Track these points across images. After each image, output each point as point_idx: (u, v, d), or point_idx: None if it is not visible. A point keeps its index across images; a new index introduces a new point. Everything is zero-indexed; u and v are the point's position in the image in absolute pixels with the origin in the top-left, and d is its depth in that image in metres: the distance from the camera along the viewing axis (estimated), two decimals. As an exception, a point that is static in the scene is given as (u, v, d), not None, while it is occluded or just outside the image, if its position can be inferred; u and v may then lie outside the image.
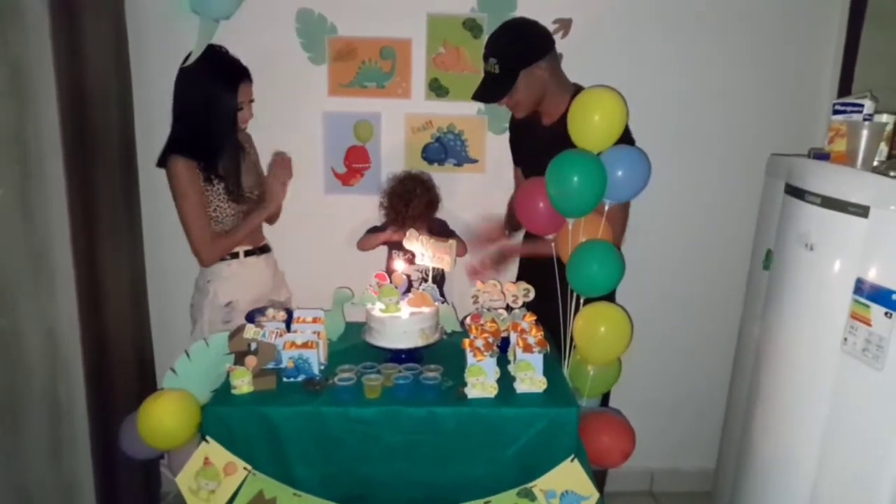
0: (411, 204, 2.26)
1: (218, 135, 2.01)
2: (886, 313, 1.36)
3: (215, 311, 2.09)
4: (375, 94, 2.44)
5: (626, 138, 1.87)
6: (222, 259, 2.10)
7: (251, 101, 2.08)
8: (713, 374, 2.57)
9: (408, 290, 1.86)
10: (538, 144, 1.98)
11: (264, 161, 2.25)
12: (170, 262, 2.48)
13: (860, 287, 1.43)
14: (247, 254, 2.15)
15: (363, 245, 2.37)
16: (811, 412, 1.56)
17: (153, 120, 2.25)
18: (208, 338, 1.72)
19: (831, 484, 1.51)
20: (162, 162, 2.02)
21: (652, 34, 2.43)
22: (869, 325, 1.40)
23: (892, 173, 1.48)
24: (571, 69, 2.11)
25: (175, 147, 1.99)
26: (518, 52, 1.96)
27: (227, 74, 2.01)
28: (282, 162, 2.19)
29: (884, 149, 1.62)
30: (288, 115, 2.41)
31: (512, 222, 2.30)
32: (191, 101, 1.99)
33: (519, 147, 2.30)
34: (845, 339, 1.46)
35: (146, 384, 2.40)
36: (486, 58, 2.00)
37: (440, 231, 2.33)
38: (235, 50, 2.07)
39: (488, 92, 2.03)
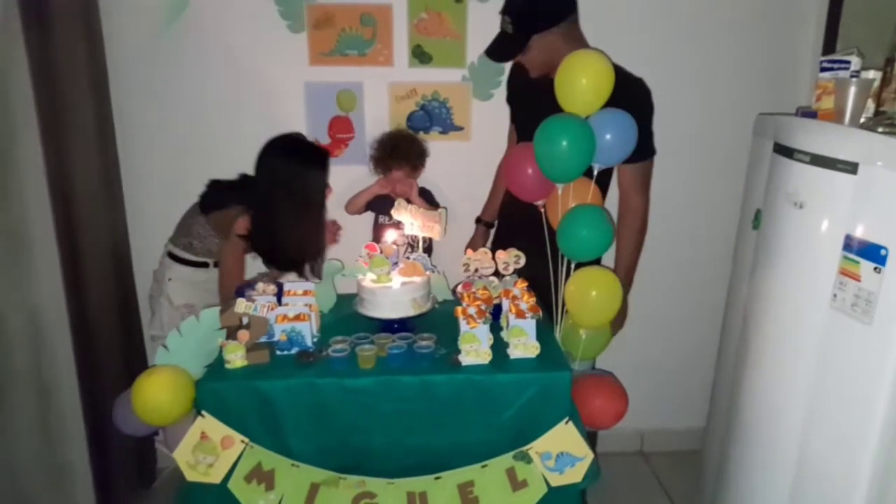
0: (398, 147, 2.28)
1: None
2: (875, 268, 1.37)
3: (173, 312, 2.10)
4: (357, 62, 2.40)
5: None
6: (193, 265, 2.11)
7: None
8: (703, 335, 2.60)
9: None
10: (542, 98, 1.91)
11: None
12: (155, 236, 2.44)
13: (849, 243, 1.44)
14: (216, 265, 2.15)
15: (351, 206, 2.36)
16: (799, 368, 1.58)
17: (129, 96, 2.19)
18: (199, 314, 1.70)
19: (819, 439, 1.54)
20: (219, 205, 2.04)
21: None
22: (858, 280, 1.41)
23: (879, 129, 1.48)
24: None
25: (251, 208, 1.99)
26: (533, 15, 1.85)
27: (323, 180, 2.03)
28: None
29: (871, 105, 1.62)
30: (269, 87, 2.36)
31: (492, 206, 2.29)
32: (286, 193, 1.97)
33: (517, 100, 2.20)
34: (835, 296, 1.48)
35: (136, 361, 2.39)
36: (502, 12, 1.89)
37: (426, 201, 2.31)
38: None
39: (499, 50, 1.93)
